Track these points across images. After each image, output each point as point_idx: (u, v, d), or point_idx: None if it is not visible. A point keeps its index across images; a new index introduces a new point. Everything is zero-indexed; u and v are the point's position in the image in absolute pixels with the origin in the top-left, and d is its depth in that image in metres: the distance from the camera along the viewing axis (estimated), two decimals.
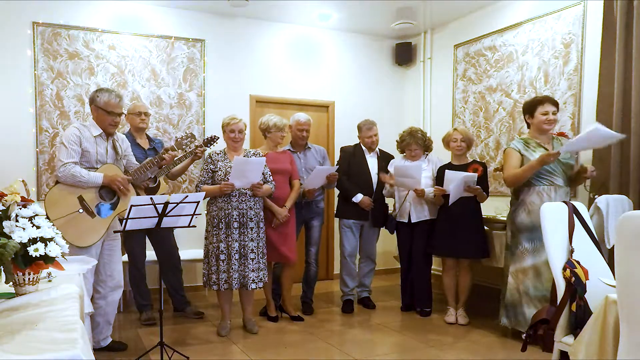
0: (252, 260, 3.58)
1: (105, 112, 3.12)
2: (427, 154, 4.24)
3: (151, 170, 3.34)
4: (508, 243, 3.59)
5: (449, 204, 3.76)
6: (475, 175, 3.70)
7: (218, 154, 3.71)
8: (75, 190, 3.03)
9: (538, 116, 3.40)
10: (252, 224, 3.61)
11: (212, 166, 3.67)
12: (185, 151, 3.65)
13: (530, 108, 3.46)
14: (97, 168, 3.11)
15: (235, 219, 3.56)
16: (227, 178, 3.53)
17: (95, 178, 3.04)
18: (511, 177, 3.43)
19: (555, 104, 3.43)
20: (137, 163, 3.40)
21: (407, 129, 4.23)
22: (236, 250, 3.55)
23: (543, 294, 3.36)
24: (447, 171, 3.74)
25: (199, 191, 3.54)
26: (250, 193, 3.60)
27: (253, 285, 3.57)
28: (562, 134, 4.00)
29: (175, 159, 3.70)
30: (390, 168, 4.20)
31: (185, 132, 3.82)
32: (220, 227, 3.57)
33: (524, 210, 3.44)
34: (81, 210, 3.02)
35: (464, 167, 3.88)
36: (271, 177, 3.75)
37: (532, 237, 3.40)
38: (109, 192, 3.14)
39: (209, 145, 3.76)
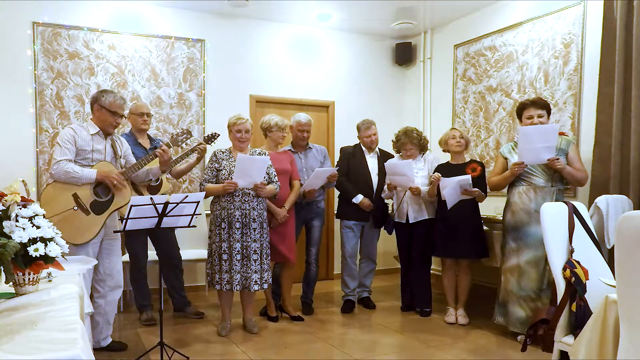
0: (255, 262, 3.57)
1: (109, 112, 3.13)
2: (423, 154, 4.25)
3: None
4: (501, 242, 3.69)
5: (448, 208, 3.77)
6: (469, 177, 3.70)
7: (223, 153, 3.70)
8: (70, 187, 3.03)
9: (524, 120, 3.51)
10: (255, 224, 3.60)
11: (216, 165, 3.66)
12: (182, 147, 3.63)
13: (518, 112, 3.59)
14: (93, 166, 3.11)
15: (238, 219, 3.56)
16: (231, 177, 3.52)
17: (89, 174, 3.04)
18: (491, 184, 3.69)
19: (543, 106, 3.46)
20: None
21: (402, 128, 4.23)
22: (238, 251, 3.54)
23: (527, 293, 3.40)
24: (442, 178, 3.76)
25: (203, 190, 3.54)
26: (254, 193, 3.60)
27: (256, 287, 3.57)
28: (561, 134, 4.01)
29: (176, 157, 3.70)
30: (386, 166, 4.20)
31: (181, 128, 3.81)
32: (223, 227, 3.56)
33: (509, 210, 3.57)
34: (76, 208, 3.03)
35: (462, 167, 3.88)
36: (276, 177, 3.75)
37: (516, 236, 3.49)
38: (105, 189, 3.13)
39: (210, 142, 3.75)
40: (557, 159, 3.29)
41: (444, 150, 4.13)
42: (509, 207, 3.57)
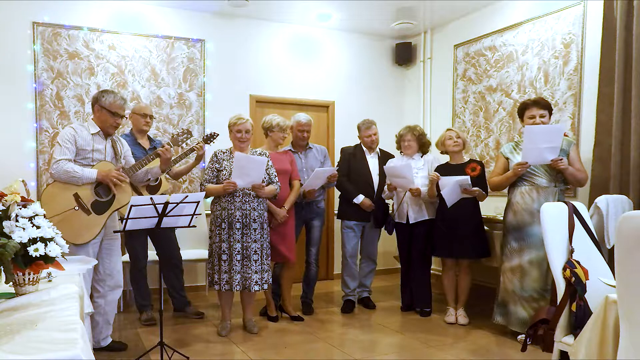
0: (256, 262, 3.57)
1: (109, 112, 3.13)
2: (422, 155, 4.25)
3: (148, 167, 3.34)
4: (501, 242, 3.69)
5: (448, 207, 3.77)
6: (468, 177, 3.70)
7: (224, 153, 3.70)
8: (71, 187, 3.03)
9: (526, 120, 3.51)
10: (256, 225, 3.59)
11: (217, 165, 3.66)
12: (182, 147, 3.63)
13: (519, 112, 3.59)
14: (94, 166, 3.12)
15: (238, 219, 3.55)
16: (231, 177, 3.52)
17: (89, 173, 3.04)
18: (492, 184, 3.68)
19: (545, 106, 3.46)
20: None
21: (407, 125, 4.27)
22: (238, 251, 3.54)
23: (529, 294, 3.40)
24: (441, 177, 3.76)
25: (203, 190, 3.55)
26: (254, 193, 3.60)
27: (256, 287, 3.57)
28: None
29: (175, 157, 3.70)
30: (386, 169, 4.20)
31: (181, 128, 3.82)
32: (223, 227, 3.56)
33: (511, 210, 3.56)
34: (77, 208, 3.03)
35: (461, 166, 3.88)
36: (277, 177, 3.75)
37: (518, 236, 3.49)
38: (106, 189, 3.13)
39: (208, 142, 3.75)
40: (561, 159, 3.30)
41: (442, 152, 4.13)
42: (510, 207, 3.57)
